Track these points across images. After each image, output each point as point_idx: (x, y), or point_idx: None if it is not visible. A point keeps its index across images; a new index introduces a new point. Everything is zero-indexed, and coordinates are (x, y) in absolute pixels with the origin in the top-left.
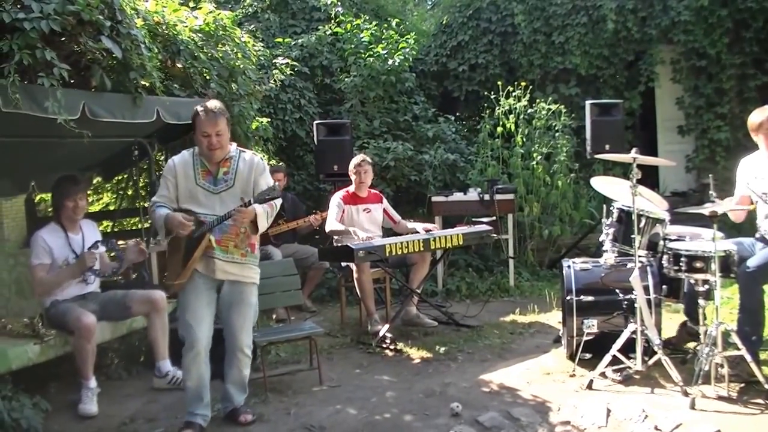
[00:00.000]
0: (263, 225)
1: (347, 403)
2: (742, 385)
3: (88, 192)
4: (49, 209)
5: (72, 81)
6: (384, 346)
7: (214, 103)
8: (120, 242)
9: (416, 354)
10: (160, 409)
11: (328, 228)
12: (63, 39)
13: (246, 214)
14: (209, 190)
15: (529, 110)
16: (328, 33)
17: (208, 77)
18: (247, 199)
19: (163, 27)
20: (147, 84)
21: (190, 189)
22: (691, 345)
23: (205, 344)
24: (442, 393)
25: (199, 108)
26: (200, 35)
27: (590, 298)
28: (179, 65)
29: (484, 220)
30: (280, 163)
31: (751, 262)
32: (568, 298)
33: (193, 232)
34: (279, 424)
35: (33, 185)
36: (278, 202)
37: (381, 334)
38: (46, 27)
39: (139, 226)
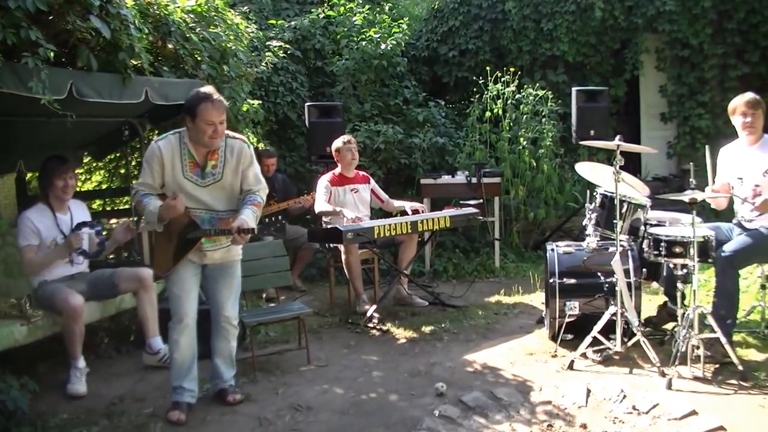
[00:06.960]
0: (255, 224)
1: (334, 382)
2: (717, 366)
3: (79, 171)
4: None
5: (63, 60)
6: (371, 326)
7: (212, 89)
8: (112, 221)
9: (403, 334)
10: (149, 388)
11: (317, 209)
12: (50, 17)
13: (245, 238)
14: (196, 183)
15: (517, 96)
16: (321, 16)
17: (199, 59)
18: (246, 227)
19: (154, 7)
20: (136, 64)
21: (177, 180)
22: (669, 326)
23: (193, 317)
24: (427, 373)
25: (203, 94)
26: (192, 16)
27: (572, 281)
28: (170, 46)
29: (471, 202)
30: (268, 148)
31: (728, 247)
32: (551, 280)
33: (186, 230)
34: (267, 404)
35: (21, 164)
36: (264, 194)
37: (369, 314)
38: (31, 6)
39: (130, 205)
